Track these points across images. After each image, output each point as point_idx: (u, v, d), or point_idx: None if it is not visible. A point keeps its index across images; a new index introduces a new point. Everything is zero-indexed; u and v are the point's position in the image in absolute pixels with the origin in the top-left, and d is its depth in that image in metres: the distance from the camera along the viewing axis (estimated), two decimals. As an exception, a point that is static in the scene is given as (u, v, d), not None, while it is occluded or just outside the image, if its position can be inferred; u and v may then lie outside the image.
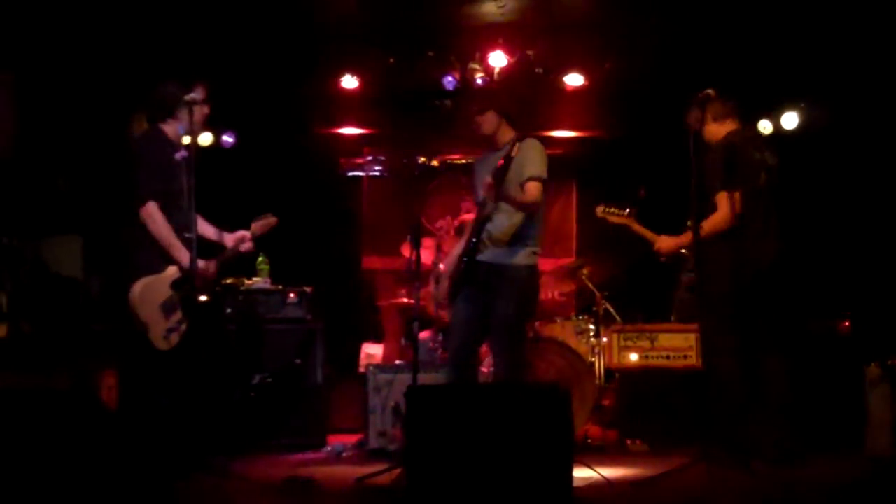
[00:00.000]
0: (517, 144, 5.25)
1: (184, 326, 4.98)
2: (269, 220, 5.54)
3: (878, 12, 6.56)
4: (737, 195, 5.28)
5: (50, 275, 6.39)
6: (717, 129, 5.49)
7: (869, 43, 6.85)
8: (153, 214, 5.00)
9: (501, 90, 6.91)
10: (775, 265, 5.41)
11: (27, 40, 6.26)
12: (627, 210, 5.86)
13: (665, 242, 5.59)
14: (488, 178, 5.06)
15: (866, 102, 7.32)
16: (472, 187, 5.65)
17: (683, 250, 5.64)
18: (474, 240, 5.29)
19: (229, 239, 5.45)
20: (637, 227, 5.76)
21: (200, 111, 5.18)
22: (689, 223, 5.38)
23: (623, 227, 5.83)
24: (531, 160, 5.25)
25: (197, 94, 5.04)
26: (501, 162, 5.22)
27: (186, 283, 4.94)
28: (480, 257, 5.27)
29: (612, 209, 5.89)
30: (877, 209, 7.46)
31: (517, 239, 5.27)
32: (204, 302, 5.20)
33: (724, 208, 5.28)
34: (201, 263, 5.10)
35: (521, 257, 5.28)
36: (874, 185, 7.47)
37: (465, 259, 5.30)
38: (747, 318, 5.30)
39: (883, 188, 7.44)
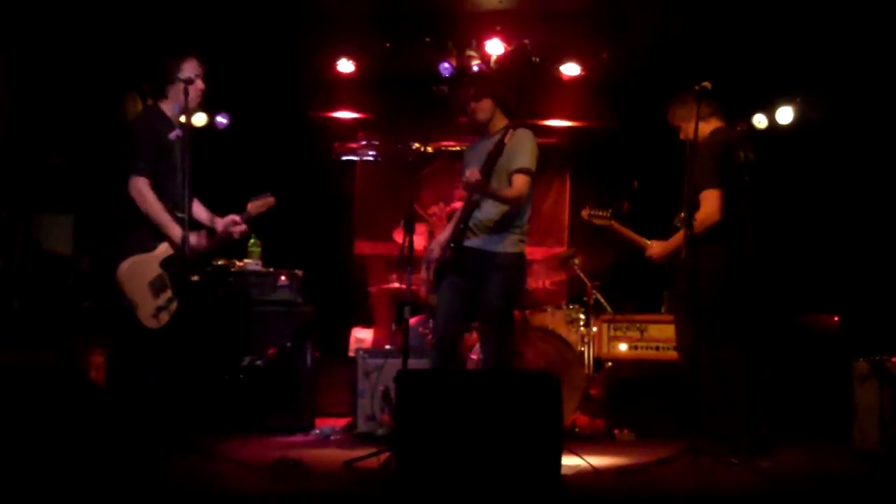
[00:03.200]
0: (509, 133, 5.24)
1: (174, 305, 4.95)
2: (268, 200, 5.45)
3: (873, 7, 6.56)
4: (721, 193, 5.26)
5: (41, 251, 6.36)
6: (701, 128, 5.32)
7: (864, 37, 6.86)
8: (142, 190, 4.95)
9: (499, 77, 6.89)
10: (754, 261, 5.43)
11: (20, 16, 6.21)
12: (610, 212, 5.83)
13: (656, 249, 5.52)
14: (476, 173, 5.05)
15: (861, 98, 7.33)
16: (462, 174, 5.64)
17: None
18: (462, 226, 5.29)
19: (220, 223, 5.39)
20: (620, 229, 5.73)
21: (195, 88, 5.11)
22: (677, 222, 5.41)
23: (607, 230, 5.80)
24: (522, 152, 5.26)
25: (189, 69, 5.00)
26: (492, 149, 5.23)
27: (177, 262, 4.91)
28: (468, 243, 5.27)
29: (596, 212, 5.85)
30: (869, 205, 7.48)
31: (505, 226, 5.28)
32: (194, 281, 5.18)
33: (710, 206, 5.25)
34: (193, 237, 5.05)
35: (509, 244, 5.29)
36: (867, 181, 7.48)
37: (451, 245, 5.30)
38: (732, 312, 5.32)
39: (876, 184, 7.45)
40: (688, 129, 5.42)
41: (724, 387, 5.24)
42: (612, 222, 5.76)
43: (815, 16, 6.77)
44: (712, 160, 5.28)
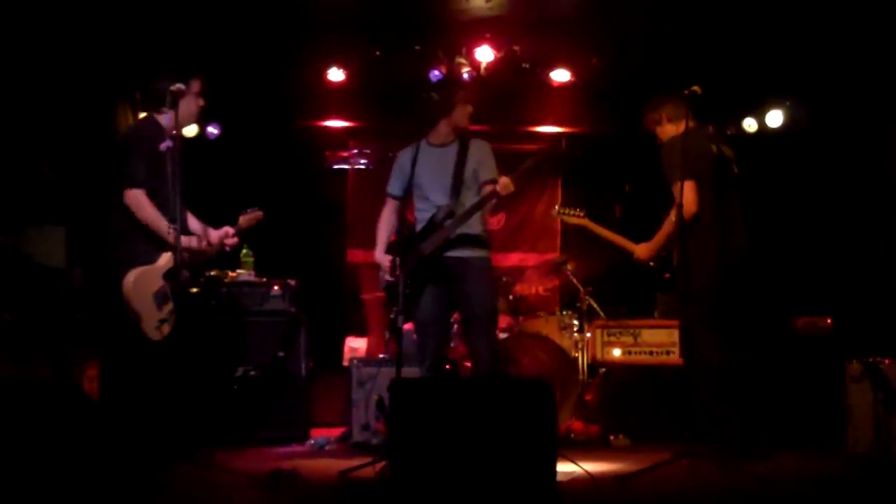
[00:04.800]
0: (470, 141, 5.36)
1: (174, 317, 4.97)
2: (256, 214, 5.55)
3: (862, 10, 6.59)
4: (694, 184, 5.31)
5: (32, 264, 6.34)
6: (671, 130, 5.58)
7: (853, 40, 6.88)
8: (140, 201, 4.98)
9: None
10: (746, 257, 5.46)
11: (8, 25, 6.20)
12: (583, 212, 5.98)
13: (642, 250, 5.62)
14: (508, 181, 5.05)
15: (850, 101, 7.36)
16: (402, 182, 5.48)
17: (662, 252, 5.70)
18: (441, 237, 5.26)
19: (213, 235, 5.43)
20: (596, 228, 5.85)
21: (195, 103, 5.20)
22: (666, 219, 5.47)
23: (582, 229, 5.95)
24: (489, 162, 5.37)
25: (187, 86, 5.03)
26: (457, 160, 5.32)
27: (178, 274, 4.91)
28: (451, 253, 5.27)
29: (567, 210, 6.02)
30: (860, 207, 7.50)
31: (482, 235, 5.38)
32: (194, 293, 5.19)
33: (684, 197, 5.26)
34: (194, 240, 5.09)
35: (488, 251, 5.42)
36: (858, 183, 7.51)
37: (430, 256, 5.27)
38: (725, 312, 5.34)
39: (867, 186, 7.48)
40: (661, 133, 5.63)
41: (720, 389, 5.26)
42: (586, 221, 5.91)
43: (803, 19, 6.79)
44: (681, 154, 5.31)
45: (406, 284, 5.10)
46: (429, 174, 5.36)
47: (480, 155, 5.36)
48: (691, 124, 5.45)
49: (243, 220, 5.48)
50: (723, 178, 5.48)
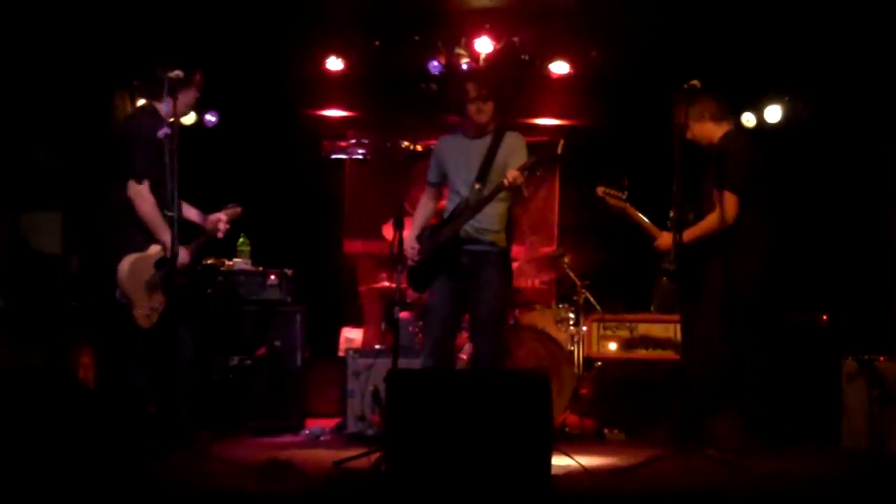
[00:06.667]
0: (505, 134, 5.31)
1: (163, 307, 4.96)
2: (235, 210, 5.49)
3: (862, 6, 6.58)
4: (739, 199, 5.38)
5: (28, 250, 6.33)
6: (712, 130, 5.58)
7: (853, 35, 6.87)
8: (144, 195, 4.96)
9: (500, 77, 6.90)
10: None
11: (7, 12, 6.18)
12: (626, 193, 5.74)
13: (666, 241, 5.53)
14: (518, 174, 5.03)
15: (850, 97, 7.34)
16: (437, 170, 5.52)
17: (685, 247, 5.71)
18: (453, 229, 5.26)
19: (207, 221, 5.40)
20: (634, 214, 5.73)
21: (193, 94, 5.19)
22: (669, 223, 5.46)
23: (619, 212, 5.76)
24: (520, 154, 5.30)
25: (190, 76, 5.03)
26: (487, 153, 5.28)
27: (169, 263, 4.90)
28: (467, 247, 5.26)
29: (612, 190, 5.74)
30: (858, 203, 7.49)
31: (504, 227, 5.34)
32: (182, 284, 5.17)
33: (728, 209, 5.39)
34: (181, 253, 5.01)
35: (507, 244, 5.38)
36: (856, 179, 7.50)
37: (446, 246, 5.27)
38: (752, 315, 5.50)
39: (865, 182, 7.47)
40: (697, 131, 5.56)
41: (720, 385, 5.35)
42: (626, 205, 5.73)
43: (803, 14, 6.78)
44: (742, 166, 5.41)
45: (411, 272, 5.22)
46: (458, 165, 5.38)
47: (512, 147, 5.32)
48: (729, 127, 5.48)
49: (225, 214, 5.43)
50: (759, 188, 5.55)
